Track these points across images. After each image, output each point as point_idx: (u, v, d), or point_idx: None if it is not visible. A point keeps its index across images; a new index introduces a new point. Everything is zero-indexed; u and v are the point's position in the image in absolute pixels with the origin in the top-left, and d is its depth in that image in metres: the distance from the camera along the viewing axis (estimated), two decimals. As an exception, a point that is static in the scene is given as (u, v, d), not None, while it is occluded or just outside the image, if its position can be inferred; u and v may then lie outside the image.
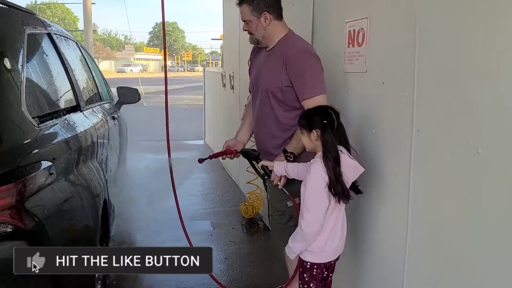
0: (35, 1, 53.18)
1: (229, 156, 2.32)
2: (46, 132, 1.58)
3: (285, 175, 2.10)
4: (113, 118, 3.22)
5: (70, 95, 2.18)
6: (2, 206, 1.20)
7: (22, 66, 1.57)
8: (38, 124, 1.55)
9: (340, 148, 1.86)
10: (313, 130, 1.86)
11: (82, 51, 3.23)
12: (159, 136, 9.47)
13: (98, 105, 2.90)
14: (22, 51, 1.65)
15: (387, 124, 2.02)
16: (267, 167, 2.14)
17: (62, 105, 1.99)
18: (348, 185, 1.84)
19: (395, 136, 1.93)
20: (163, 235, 3.62)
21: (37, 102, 1.66)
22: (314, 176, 1.84)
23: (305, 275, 2.00)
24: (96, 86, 3.25)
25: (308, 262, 1.96)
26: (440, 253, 1.67)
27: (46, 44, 2.09)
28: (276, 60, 2.26)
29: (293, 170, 2.05)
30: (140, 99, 3.98)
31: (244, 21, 2.24)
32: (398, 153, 1.90)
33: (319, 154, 1.89)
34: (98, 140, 2.36)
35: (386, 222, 2.05)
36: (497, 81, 1.36)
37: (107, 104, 3.48)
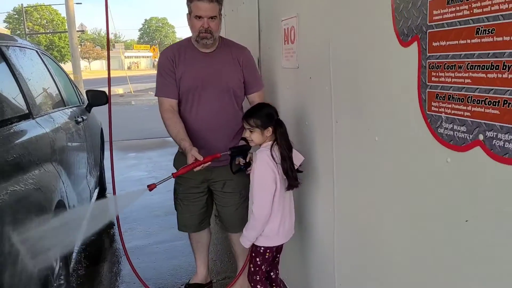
0: (21, 4, 52.86)
1: (202, 165, 2.10)
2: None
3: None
4: (77, 122, 3.33)
5: (19, 104, 2.30)
6: None
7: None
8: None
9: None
10: (268, 127, 2.07)
11: (44, 59, 3.34)
12: (145, 135, 9.72)
13: (58, 111, 3.01)
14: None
15: (315, 116, 2.15)
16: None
17: (7, 114, 2.11)
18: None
19: (322, 127, 2.07)
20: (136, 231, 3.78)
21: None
22: (261, 164, 2.04)
23: (257, 259, 2.16)
24: (59, 93, 3.37)
25: (262, 247, 2.14)
26: (359, 227, 1.82)
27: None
28: (228, 60, 2.41)
29: None
30: (107, 101, 4.09)
31: (210, 17, 2.25)
32: (325, 142, 2.03)
33: (265, 144, 2.07)
34: (54, 144, 2.48)
35: (318, 204, 2.20)
36: (387, 79, 1.50)
37: (73, 108, 3.59)
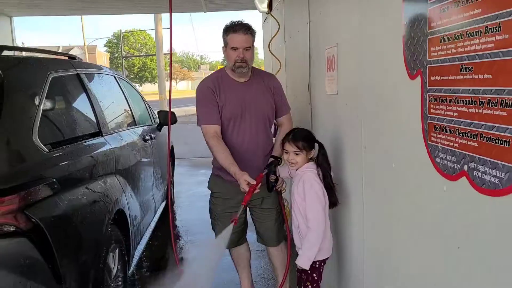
0: (120, 30, 57.66)
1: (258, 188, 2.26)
2: (55, 155, 2.03)
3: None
4: (144, 140, 3.69)
5: (91, 123, 2.66)
6: (7, 211, 1.64)
7: (39, 103, 2.05)
8: (50, 150, 2.02)
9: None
10: (312, 149, 2.27)
11: (120, 83, 3.76)
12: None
13: (127, 130, 3.38)
14: (41, 91, 2.13)
15: (348, 140, 2.26)
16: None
17: (80, 132, 2.46)
18: None
19: (353, 152, 2.17)
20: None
21: (51, 132, 2.14)
22: (312, 184, 2.20)
23: (314, 275, 2.26)
24: (132, 113, 3.76)
25: (317, 261, 2.24)
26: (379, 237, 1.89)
27: (71, 82, 2.60)
28: (262, 88, 2.64)
29: (287, 171, 2.48)
30: (176, 121, 4.45)
31: (245, 48, 2.46)
32: (355, 166, 2.13)
33: (308, 165, 2.25)
34: (119, 159, 2.82)
35: (350, 220, 2.29)
36: (399, 109, 1.59)
37: (143, 127, 3.97)
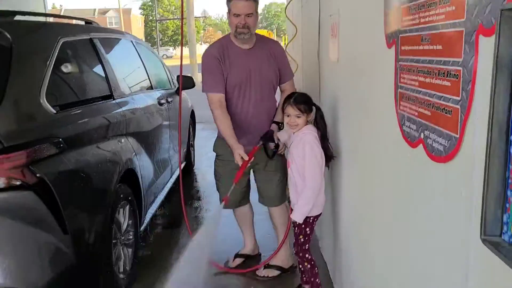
0: (154, -8, 57.63)
1: (250, 163, 2.42)
2: (62, 116, 2.18)
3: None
4: (160, 103, 3.81)
5: (103, 87, 2.79)
6: (14, 166, 1.80)
7: (48, 67, 2.18)
8: (57, 111, 2.16)
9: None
10: (311, 112, 2.37)
11: (137, 48, 3.87)
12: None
13: (142, 93, 3.50)
14: (51, 55, 2.25)
15: (347, 106, 2.30)
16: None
17: (91, 95, 2.59)
18: None
19: (349, 118, 2.21)
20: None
21: (60, 94, 2.28)
22: (312, 147, 2.32)
23: (307, 230, 2.43)
24: (149, 78, 3.88)
25: (311, 217, 2.41)
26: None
27: (83, 47, 2.72)
28: (266, 55, 2.69)
29: (286, 135, 2.58)
30: (194, 85, 4.55)
31: (247, 14, 2.50)
32: (351, 133, 2.18)
33: (308, 127, 2.38)
34: (131, 121, 2.95)
35: (344, 181, 2.37)
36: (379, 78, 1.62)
37: (160, 91, 4.08)
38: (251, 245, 3.08)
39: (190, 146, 5.39)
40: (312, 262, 2.46)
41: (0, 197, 1.80)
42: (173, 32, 58.69)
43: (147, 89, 3.77)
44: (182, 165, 4.97)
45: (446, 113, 1.03)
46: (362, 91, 1.86)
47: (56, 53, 2.31)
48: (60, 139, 2.06)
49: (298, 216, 2.34)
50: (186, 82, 4.52)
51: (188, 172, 5.28)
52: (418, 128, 1.22)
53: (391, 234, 1.53)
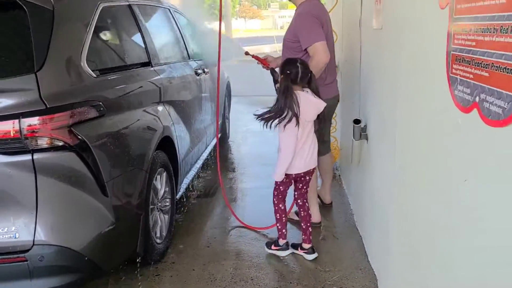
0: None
1: (262, 64, 3.09)
2: (101, 80, 2.19)
3: None
4: (196, 73, 3.79)
5: (141, 54, 2.79)
6: (56, 127, 1.84)
7: (88, 31, 2.19)
8: (97, 75, 2.17)
9: (306, 89, 2.56)
10: (282, 75, 2.53)
11: (175, 17, 3.84)
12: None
13: (179, 62, 3.49)
14: (91, 20, 2.26)
15: (385, 75, 2.21)
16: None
17: (130, 61, 2.60)
18: (312, 117, 2.59)
19: (387, 86, 2.13)
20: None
21: (100, 59, 2.29)
22: (287, 128, 2.54)
23: (281, 187, 2.77)
24: (186, 47, 3.86)
25: (291, 174, 2.70)
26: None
27: (122, 13, 2.71)
28: (293, 18, 2.97)
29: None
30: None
31: None
32: (390, 100, 2.09)
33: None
34: (167, 89, 2.96)
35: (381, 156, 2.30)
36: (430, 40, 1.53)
37: (197, 61, 4.06)
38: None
39: (225, 118, 5.39)
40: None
41: (43, 156, 1.84)
42: (209, 6, 58.29)
43: (184, 58, 3.76)
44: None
45: (508, 72, 0.96)
46: (408, 58, 1.77)
47: (96, 18, 2.31)
48: (100, 103, 2.07)
49: (275, 175, 2.66)
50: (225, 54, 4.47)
51: (223, 144, 5.30)
52: (472, 92, 1.15)
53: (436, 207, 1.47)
